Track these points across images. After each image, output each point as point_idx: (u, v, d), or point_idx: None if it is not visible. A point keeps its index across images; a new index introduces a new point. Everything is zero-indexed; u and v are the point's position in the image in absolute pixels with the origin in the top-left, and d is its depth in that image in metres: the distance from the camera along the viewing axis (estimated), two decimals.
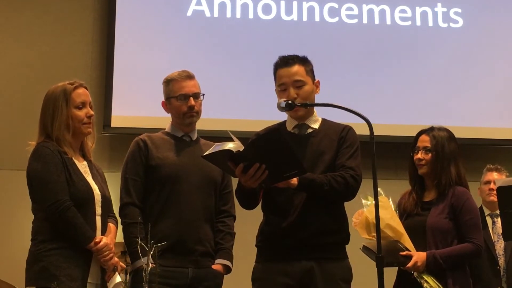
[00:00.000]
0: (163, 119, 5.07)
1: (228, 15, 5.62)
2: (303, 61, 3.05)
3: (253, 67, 5.48)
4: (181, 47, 5.53)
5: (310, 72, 3.06)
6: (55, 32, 5.56)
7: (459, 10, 5.86)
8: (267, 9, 5.68)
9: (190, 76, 3.24)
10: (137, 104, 5.38)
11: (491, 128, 5.67)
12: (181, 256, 3.02)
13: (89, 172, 3.03)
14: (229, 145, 2.63)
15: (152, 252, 2.58)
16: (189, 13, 5.59)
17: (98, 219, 2.98)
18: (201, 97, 3.23)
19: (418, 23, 5.81)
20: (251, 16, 5.65)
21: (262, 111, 4.91)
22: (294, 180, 2.76)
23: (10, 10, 5.56)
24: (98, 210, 2.99)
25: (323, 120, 3.11)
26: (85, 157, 3.07)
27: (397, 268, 3.25)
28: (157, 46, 5.51)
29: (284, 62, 3.03)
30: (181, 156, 3.16)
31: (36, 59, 5.46)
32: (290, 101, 2.96)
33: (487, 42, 5.83)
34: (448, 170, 3.27)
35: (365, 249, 3.15)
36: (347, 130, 3.02)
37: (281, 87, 3.01)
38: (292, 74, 2.99)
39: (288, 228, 2.89)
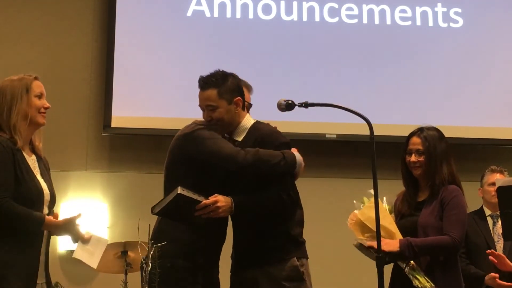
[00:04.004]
0: (163, 119, 5.07)
1: (228, 15, 5.62)
2: (217, 83, 3.07)
3: (253, 67, 5.47)
4: (181, 47, 5.53)
5: (226, 94, 3.06)
6: (55, 32, 5.56)
7: (459, 10, 5.86)
8: (267, 9, 5.68)
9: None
10: (137, 105, 5.38)
11: (491, 128, 5.67)
12: (215, 255, 3.09)
13: (37, 168, 3.01)
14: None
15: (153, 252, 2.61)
16: (189, 13, 5.59)
17: None
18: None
19: (418, 23, 5.80)
20: (251, 16, 5.65)
21: (262, 111, 4.91)
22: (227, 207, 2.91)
23: (10, 10, 5.55)
24: (45, 210, 2.97)
25: (252, 127, 3.13)
26: (34, 152, 3.04)
27: (391, 267, 3.26)
28: (157, 46, 5.51)
29: (200, 84, 3.11)
30: None
31: (36, 59, 5.45)
32: (290, 101, 2.98)
33: (487, 42, 5.83)
34: (441, 170, 3.28)
35: (359, 246, 3.17)
36: (258, 142, 3.02)
37: (200, 108, 3.12)
38: (203, 99, 3.08)
39: (233, 240, 3.12)
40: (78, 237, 2.99)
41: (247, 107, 3.28)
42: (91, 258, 3.02)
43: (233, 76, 3.14)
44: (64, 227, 2.93)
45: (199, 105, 3.12)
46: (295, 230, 3.06)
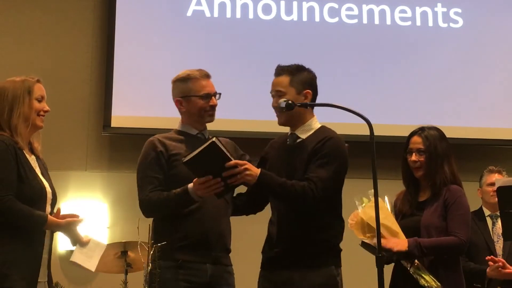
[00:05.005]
0: (163, 119, 5.07)
1: (228, 15, 5.62)
2: (291, 72, 3.12)
3: (253, 67, 5.48)
4: (181, 47, 5.53)
5: (296, 83, 3.10)
6: (55, 32, 5.56)
7: (459, 10, 5.86)
8: (267, 9, 5.68)
9: (209, 75, 3.30)
10: (137, 104, 5.38)
11: (491, 128, 5.67)
12: (202, 251, 3.04)
13: (38, 167, 3.01)
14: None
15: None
16: (189, 13, 5.59)
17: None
18: (217, 96, 3.28)
19: (418, 23, 5.80)
20: (251, 16, 5.65)
21: (262, 111, 4.90)
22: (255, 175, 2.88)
23: (10, 10, 5.55)
24: (48, 208, 2.98)
25: (320, 129, 3.13)
26: (32, 152, 3.04)
27: (392, 267, 3.26)
28: (157, 46, 5.51)
29: (275, 71, 3.17)
30: None
31: (36, 59, 5.46)
32: (290, 101, 2.99)
33: (487, 42, 5.83)
34: (442, 170, 3.28)
35: (364, 244, 3.17)
36: (323, 142, 3.03)
37: (271, 94, 3.16)
38: (275, 84, 3.13)
39: (269, 239, 3.09)
40: (77, 240, 3.00)
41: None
42: (89, 261, 3.02)
43: (309, 71, 3.19)
44: (65, 228, 2.94)
45: (270, 92, 3.15)
46: (338, 239, 3.08)
